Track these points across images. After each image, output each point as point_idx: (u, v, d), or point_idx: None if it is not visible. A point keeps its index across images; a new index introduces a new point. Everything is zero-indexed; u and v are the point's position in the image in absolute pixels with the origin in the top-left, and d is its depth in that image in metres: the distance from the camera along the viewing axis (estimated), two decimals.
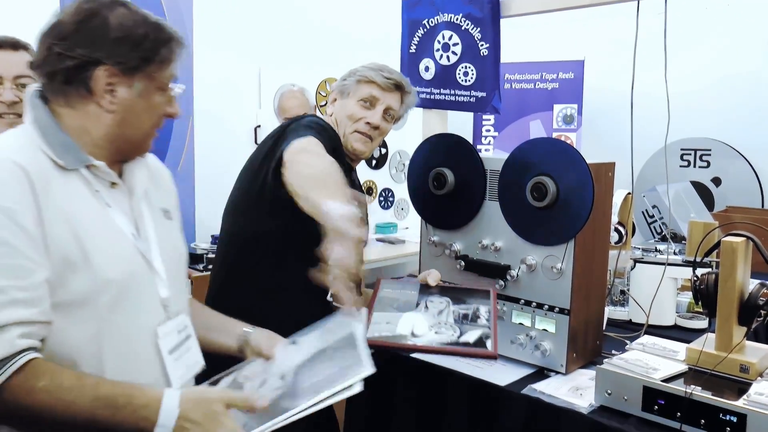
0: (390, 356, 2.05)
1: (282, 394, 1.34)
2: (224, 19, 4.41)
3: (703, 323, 2.30)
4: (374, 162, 5.73)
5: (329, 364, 1.40)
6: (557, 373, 1.88)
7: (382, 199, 5.88)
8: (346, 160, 1.97)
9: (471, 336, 1.65)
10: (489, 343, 1.63)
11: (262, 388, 1.40)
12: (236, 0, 4.49)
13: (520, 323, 1.95)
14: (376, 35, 4.81)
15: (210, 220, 4.21)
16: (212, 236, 3.69)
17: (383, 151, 5.78)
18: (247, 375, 1.47)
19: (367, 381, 1.96)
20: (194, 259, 3.22)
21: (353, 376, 1.29)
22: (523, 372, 1.92)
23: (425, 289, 1.91)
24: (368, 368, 1.31)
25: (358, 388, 1.29)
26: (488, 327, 1.69)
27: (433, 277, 1.92)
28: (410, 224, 5.68)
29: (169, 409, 1.14)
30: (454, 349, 1.63)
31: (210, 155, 4.41)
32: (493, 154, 1.95)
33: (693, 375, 1.62)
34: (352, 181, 2.02)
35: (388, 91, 2.03)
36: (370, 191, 5.75)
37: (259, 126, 4.90)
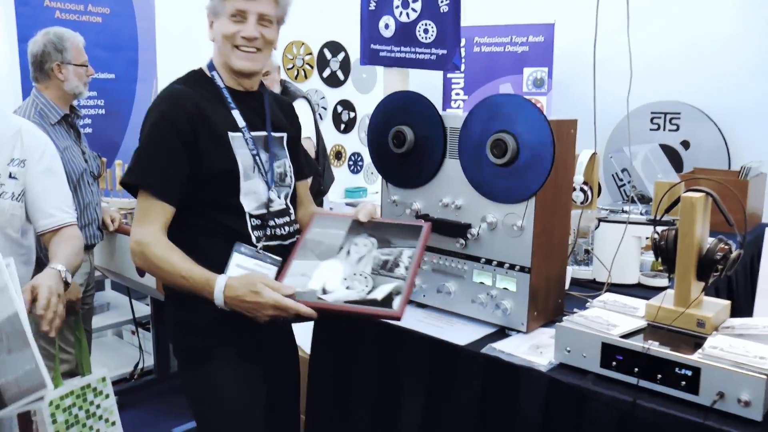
0: (349, 317, 2.03)
1: None
2: None
3: (665, 281, 2.30)
4: (343, 126, 5.67)
5: None
6: (518, 332, 1.87)
7: (351, 163, 5.83)
8: (222, 94, 1.91)
9: (381, 291, 1.69)
10: (397, 301, 1.65)
11: None
12: None
13: (481, 282, 1.93)
14: None
15: None
16: None
17: (351, 114, 5.72)
18: None
19: (330, 340, 1.96)
20: None
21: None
22: (484, 331, 1.90)
23: (357, 226, 1.90)
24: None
25: None
26: (404, 278, 1.70)
27: (364, 213, 1.92)
28: (380, 188, 5.66)
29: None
30: (357, 309, 1.65)
31: None
32: (455, 111, 1.91)
33: (651, 331, 1.61)
34: (250, 107, 1.96)
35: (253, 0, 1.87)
36: (339, 155, 5.70)
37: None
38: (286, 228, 1.97)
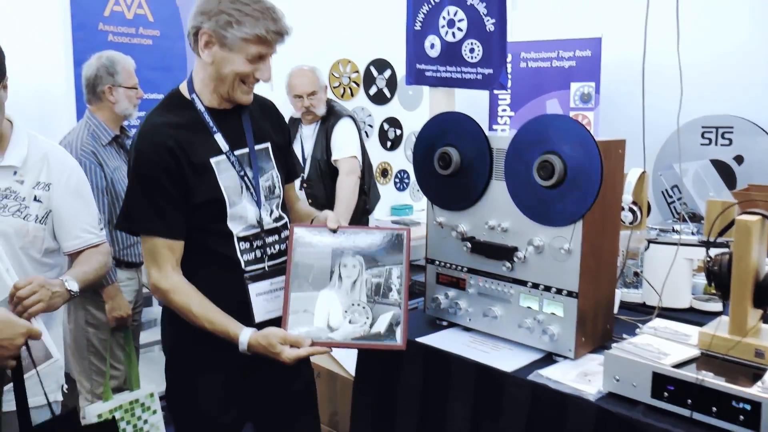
0: None
1: None
2: None
3: (719, 305, 2.22)
4: (389, 143, 5.67)
5: None
6: (566, 358, 1.83)
7: (397, 180, 5.83)
8: (203, 118, 1.88)
9: (382, 323, 1.80)
10: (398, 332, 1.78)
11: None
12: None
13: (528, 307, 1.89)
14: (382, 16, 4.73)
15: None
16: None
17: (398, 132, 5.72)
18: None
19: (374, 365, 1.97)
20: None
21: None
22: (530, 357, 1.87)
23: (339, 242, 1.92)
24: None
25: None
26: (399, 305, 1.81)
27: (331, 222, 1.93)
28: (426, 208, 5.64)
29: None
30: (364, 344, 1.81)
31: None
32: (501, 132, 1.89)
33: (705, 360, 1.56)
34: (231, 124, 1.92)
35: (275, 42, 1.84)
36: (385, 173, 5.70)
37: None
38: (277, 246, 1.97)
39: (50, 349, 1.83)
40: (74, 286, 1.91)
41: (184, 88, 1.91)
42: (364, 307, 1.83)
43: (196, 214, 1.84)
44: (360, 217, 3.65)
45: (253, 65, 1.82)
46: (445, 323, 2.13)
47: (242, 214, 1.89)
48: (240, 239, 1.89)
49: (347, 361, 2.44)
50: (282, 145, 2.07)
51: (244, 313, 1.86)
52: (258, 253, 1.92)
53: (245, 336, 1.77)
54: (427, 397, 1.97)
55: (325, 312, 1.84)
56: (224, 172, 1.86)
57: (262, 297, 1.90)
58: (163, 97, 1.94)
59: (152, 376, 3.89)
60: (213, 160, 1.85)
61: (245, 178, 1.89)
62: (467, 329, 2.07)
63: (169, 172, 1.78)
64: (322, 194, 3.55)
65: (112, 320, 2.92)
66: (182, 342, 1.96)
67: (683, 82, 2.28)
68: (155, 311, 4.46)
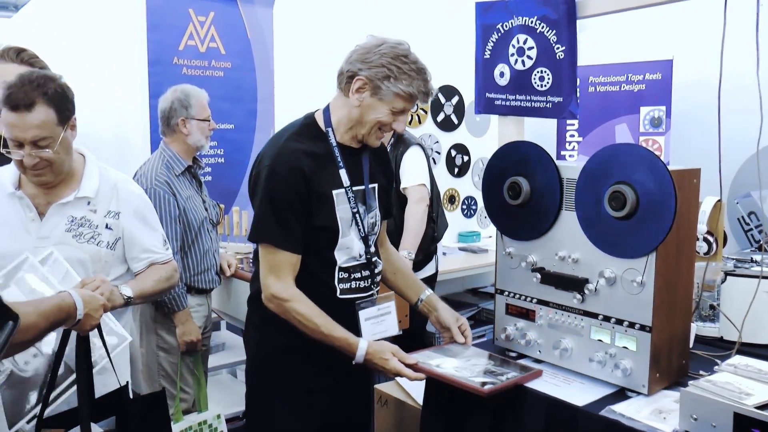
0: None
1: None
2: (303, 37, 4.45)
3: None
4: (456, 170, 5.67)
5: None
6: (639, 393, 1.77)
7: (464, 207, 5.80)
8: (333, 153, 2.03)
9: (479, 379, 1.86)
10: (489, 386, 1.81)
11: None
12: (315, 13, 4.53)
13: (599, 340, 1.85)
14: (449, 42, 4.75)
15: None
16: None
17: (465, 158, 5.71)
18: None
19: (442, 394, 1.98)
20: None
21: None
22: (602, 392, 1.82)
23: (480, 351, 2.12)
24: None
25: None
26: (500, 381, 1.85)
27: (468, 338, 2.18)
28: (494, 233, 5.59)
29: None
30: (456, 380, 1.87)
31: None
32: (572, 162, 1.87)
33: None
34: (354, 162, 2.08)
35: (422, 101, 2.02)
36: (452, 199, 5.69)
37: None
38: (364, 282, 2.10)
39: (121, 332, 1.98)
40: (128, 292, 2.02)
41: (319, 118, 2.06)
42: (471, 371, 1.93)
43: (310, 238, 1.99)
44: (429, 244, 3.65)
45: (394, 116, 1.99)
46: (514, 354, 2.10)
47: (349, 245, 2.04)
48: (341, 269, 2.03)
49: (415, 390, 2.43)
50: (386, 187, 2.23)
51: None
52: (354, 283, 2.08)
53: (365, 344, 1.96)
54: (499, 428, 1.93)
55: (438, 361, 2.00)
56: (341, 204, 2.01)
57: (369, 321, 2.09)
58: (300, 124, 2.07)
59: (219, 398, 3.96)
60: (334, 192, 2.00)
61: (357, 214, 2.04)
62: (537, 361, 2.03)
63: (300, 195, 1.94)
64: (391, 222, 3.56)
65: (183, 345, 2.99)
66: (268, 348, 2.09)
67: (763, 103, 2.21)
68: (223, 336, 4.54)
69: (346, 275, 2.05)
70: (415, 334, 3.41)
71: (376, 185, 2.16)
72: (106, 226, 2.10)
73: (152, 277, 2.17)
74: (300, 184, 1.93)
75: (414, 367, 1.94)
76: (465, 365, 1.97)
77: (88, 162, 2.15)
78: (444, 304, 2.25)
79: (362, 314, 2.08)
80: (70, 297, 1.70)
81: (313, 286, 2.01)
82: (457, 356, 2.05)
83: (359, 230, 2.06)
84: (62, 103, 1.96)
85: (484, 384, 1.82)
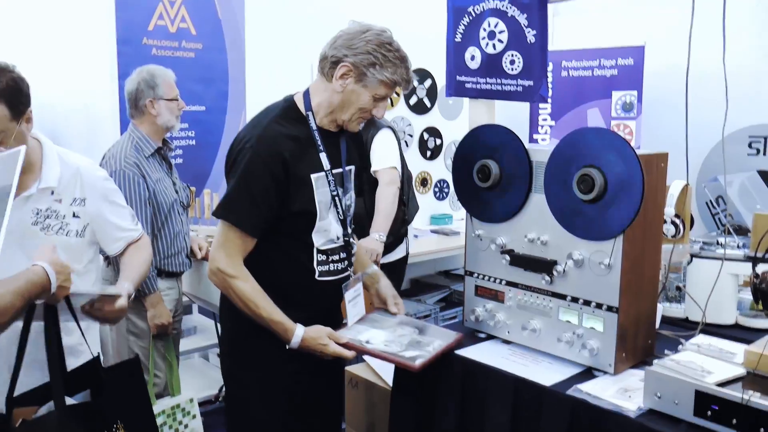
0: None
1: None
2: (275, 17, 4.41)
3: (766, 322, 2.17)
4: (429, 153, 5.67)
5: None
6: (605, 373, 1.80)
7: (437, 190, 5.82)
8: (314, 136, 2.03)
9: (409, 353, 1.93)
10: (419, 360, 1.89)
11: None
12: (288, 3, 4.49)
13: (567, 321, 1.88)
14: (423, 26, 4.75)
15: None
16: None
17: (438, 141, 5.72)
18: None
19: (412, 375, 2.01)
20: None
21: None
22: (570, 371, 1.85)
23: (406, 319, 2.20)
24: None
25: None
26: (429, 353, 1.94)
27: (392, 307, 2.23)
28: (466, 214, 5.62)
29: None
30: (388, 356, 1.94)
31: None
32: (541, 145, 1.88)
33: (752, 380, 1.52)
34: (333, 145, 2.09)
35: (402, 88, 2.05)
36: (424, 182, 5.70)
37: None
38: (341, 264, 2.11)
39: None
40: (130, 288, 2.01)
41: (299, 102, 2.05)
42: (401, 345, 2.00)
43: (287, 222, 1.98)
44: (399, 227, 3.65)
45: (375, 103, 2.00)
46: (483, 335, 2.12)
47: (326, 228, 2.05)
48: (319, 251, 2.03)
49: (385, 372, 2.44)
50: (360, 169, 2.25)
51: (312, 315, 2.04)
52: (332, 266, 2.09)
53: (301, 330, 1.97)
54: (465, 410, 1.96)
55: (369, 336, 2.05)
56: (320, 188, 2.01)
57: (350, 303, 2.12)
58: (281, 107, 2.05)
59: (192, 381, 3.95)
60: (313, 176, 2.00)
61: (336, 197, 2.05)
62: (506, 342, 2.06)
63: (276, 180, 1.92)
64: (361, 205, 3.55)
65: (154, 328, 2.97)
66: (242, 331, 2.08)
67: (729, 90, 2.23)
68: (195, 319, 4.52)
69: (324, 257, 2.06)
70: None
71: (353, 167, 2.17)
72: (74, 215, 2.05)
73: (139, 262, 2.16)
74: (279, 171, 1.92)
75: (347, 346, 1.98)
76: (393, 338, 2.04)
77: (46, 149, 2.06)
78: (387, 281, 2.32)
79: (346, 296, 2.10)
80: (42, 270, 1.66)
81: (291, 268, 2.02)
82: (384, 328, 2.11)
83: (338, 213, 2.07)
84: (15, 97, 1.88)
85: (414, 359, 1.89)
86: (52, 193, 2.02)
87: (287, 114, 2.02)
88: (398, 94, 5.34)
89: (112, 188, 2.21)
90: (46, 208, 2.01)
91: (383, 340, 2.02)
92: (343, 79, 1.95)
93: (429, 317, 4.67)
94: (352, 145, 2.19)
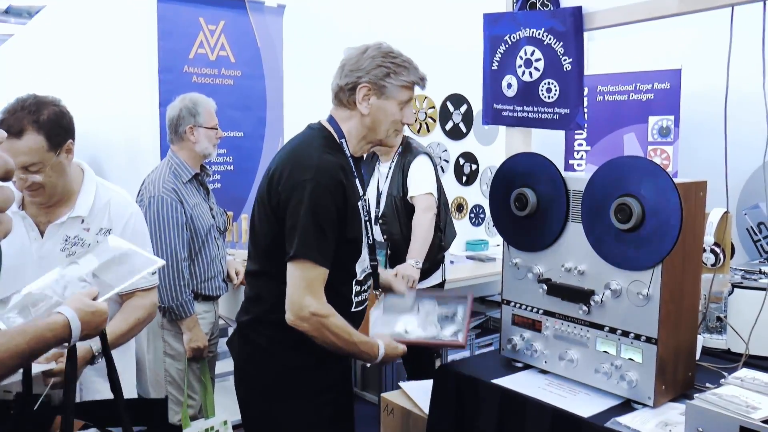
0: (472, 384, 2.02)
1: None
2: (312, 45, 4.47)
3: None
4: (465, 178, 5.67)
5: None
6: (644, 405, 1.77)
7: (473, 215, 5.80)
8: (350, 163, 2.02)
9: (448, 331, 2.14)
10: (460, 336, 2.12)
11: None
12: (324, 22, 4.55)
13: (605, 351, 1.86)
14: (457, 51, 4.77)
15: None
16: None
17: (473, 167, 5.71)
18: None
19: (449, 402, 2.00)
20: None
21: None
22: (608, 403, 1.82)
23: (420, 294, 2.34)
24: None
25: None
26: (462, 324, 2.17)
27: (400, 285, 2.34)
28: (502, 241, 5.59)
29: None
30: (431, 342, 2.18)
31: None
32: (578, 174, 1.88)
33: None
34: (358, 173, 2.08)
35: (422, 87, 2.06)
36: (460, 207, 5.69)
37: None
38: (367, 293, 2.13)
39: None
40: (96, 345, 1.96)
41: (333, 133, 2.02)
42: (434, 325, 2.17)
43: (338, 252, 1.93)
44: (436, 253, 3.65)
45: (401, 111, 2.01)
46: (520, 365, 2.11)
47: (363, 257, 2.05)
48: (357, 281, 2.04)
49: (421, 398, 2.43)
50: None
51: None
52: (363, 295, 2.09)
53: (381, 342, 2.02)
54: None
55: (402, 326, 2.18)
56: (360, 215, 2.01)
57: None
58: (321, 136, 2.02)
59: (226, 404, 3.96)
60: (359, 204, 2.00)
61: (368, 222, 2.06)
62: (543, 372, 2.04)
63: (339, 210, 1.91)
64: (398, 231, 3.56)
65: (190, 351, 3.00)
66: (281, 369, 2.02)
67: (765, 116, 2.20)
68: None
69: (359, 288, 2.05)
70: None
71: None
72: (98, 243, 2.08)
73: (129, 321, 2.11)
74: (340, 200, 1.90)
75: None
76: (423, 320, 2.19)
77: (86, 179, 2.14)
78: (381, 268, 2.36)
79: (372, 326, 2.16)
80: (64, 319, 1.58)
81: (332, 302, 1.93)
82: (410, 312, 2.24)
83: (368, 239, 2.07)
84: (54, 129, 1.96)
85: (455, 335, 2.12)
86: (82, 221, 2.09)
87: (330, 143, 2.00)
88: (434, 119, 5.36)
89: (138, 227, 2.21)
90: (74, 235, 2.07)
91: (417, 325, 2.15)
92: (366, 100, 1.97)
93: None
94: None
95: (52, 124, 1.96)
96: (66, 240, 2.07)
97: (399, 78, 1.97)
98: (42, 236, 2.07)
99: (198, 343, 3.01)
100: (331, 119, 2.05)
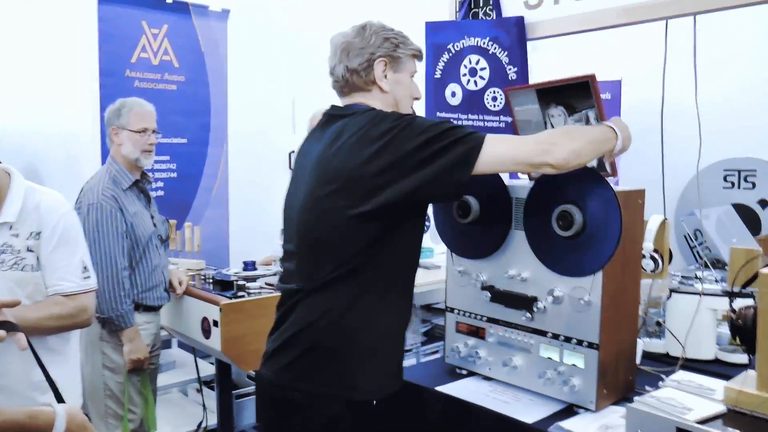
0: (416, 391, 2.01)
1: None
2: (257, 51, 4.44)
3: (745, 357, 2.17)
4: None
5: None
6: (587, 410, 1.80)
7: None
8: None
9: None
10: (607, 166, 1.92)
11: None
12: (269, 27, 4.52)
13: (549, 357, 1.87)
14: None
15: (243, 246, 4.21)
16: (244, 262, 3.69)
17: None
18: None
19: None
20: (225, 285, 3.20)
21: None
22: (551, 408, 1.84)
23: (542, 96, 2.04)
24: None
25: None
26: None
27: None
28: (446, 256, 5.61)
29: None
30: None
31: (244, 181, 4.42)
32: (521, 181, 1.90)
33: (732, 417, 1.52)
34: None
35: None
36: None
37: (293, 151, 4.91)
38: None
39: None
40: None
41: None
42: None
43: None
44: None
45: (412, 82, 1.94)
46: (464, 372, 2.11)
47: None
48: None
49: None
50: None
51: None
52: None
53: None
54: None
55: None
56: None
57: None
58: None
59: (170, 416, 3.89)
60: None
61: None
62: (487, 378, 2.05)
63: None
64: None
65: (130, 363, 2.93)
66: None
67: (703, 125, 2.27)
68: (174, 354, 4.46)
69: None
70: None
71: None
72: (27, 249, 2.02)
73: (42, 311, 2.02)
74: None
75: None
76: None
77: (13, 184, 2.04)
78: None
79: None
80: (53, 414, 1.52)
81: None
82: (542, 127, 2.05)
83: None
84: None
85: (601, 164, 2.00)
86: (10, 227, 2.01)
87: None
88: None
89: (69, 227, 2.12)
90: (2, 243, 2.00)
91: None
92: (384, 76, 1.87)
93: (410, 351, 4.64)
94: None
95: None
96: None
97: (408, 47, 1.90)
98: None
99: (138, 354, 2.94)
100: (358, 105, 1.88)
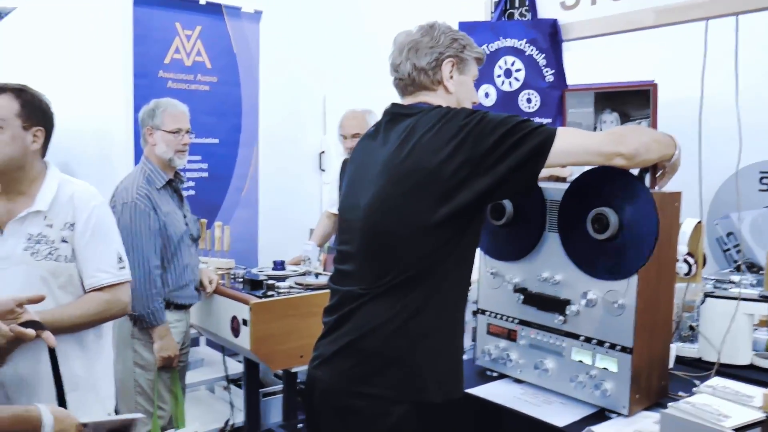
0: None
1: None
2: (289, 52, 4.46)
3: None
4: None
5: None
6: (619, 414, 1.78)
7: None
8: None
9: None
10: (647, 178, 1.80)
11: None
12: (301, 28, 4.54)
13: (580, 361, 1.86)
14: None
15: (271, 246, 4.23)
16: (273, 262, 3.71)
17: None
18: None
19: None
20: (255, 285, 3.22)
21: None
22: (582, 412, 1.82)
23: (598, 101, 2.08)
24: None
25: None
26: None
27: None
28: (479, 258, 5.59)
29: None
30: None
31: (274, 181, 4.44)
32: (556, 183, 1.88)
33: None
34: None
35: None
36: None
37: (323, 152, 4.93)
38: None
39: None
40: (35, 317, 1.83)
41: None
42: None
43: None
44: None
45: (473, 86, 1.91)
46: (495, 374, 2.10)
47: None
48: None
49: None
50: None
51: None
52: None
53: None
54: None
55: None
56: None
57: None
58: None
59: (197, 414, 3.93)
60: None
61: None
62: (518, 381, 2.04)
63: None
64: None
65: (160, 360, 2.96)
66: None
67: (741, 126, 2.23)
68: (202, 352, 4.51)
69: None
70: None
71: None
72: (62, 239, 2.05)
73: (80, 308, 2.06)
74: None
75: None
76: None
77: (49, 174, 2.10)
78: None
79: None
80: (37, 413, 1.52)
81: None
82: None
83: None
84: (31, 106, 2.00)
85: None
86: (45, 218, 2.04)
87: None
88: None
89: (102, 220, 2.15)
90: (37, 233, 2.03)
91: None
92: (452, 76, 1.84)
93: None
94: None
95: (31, 103, 2.00)
96: (29, 239, 2.02)
97: (473, 50, 1.87)
98: (2, 233, 2.02)
99: (169, 352, 2.97)
100: (423, 104, 1.84)
